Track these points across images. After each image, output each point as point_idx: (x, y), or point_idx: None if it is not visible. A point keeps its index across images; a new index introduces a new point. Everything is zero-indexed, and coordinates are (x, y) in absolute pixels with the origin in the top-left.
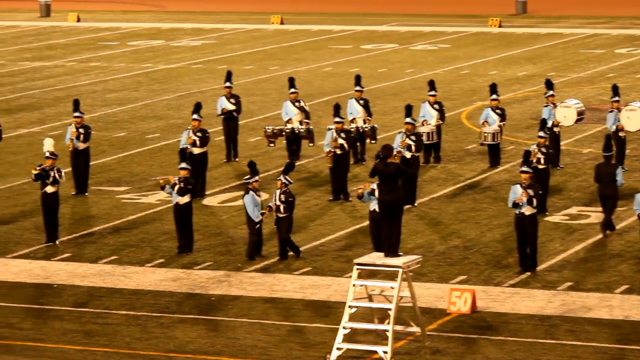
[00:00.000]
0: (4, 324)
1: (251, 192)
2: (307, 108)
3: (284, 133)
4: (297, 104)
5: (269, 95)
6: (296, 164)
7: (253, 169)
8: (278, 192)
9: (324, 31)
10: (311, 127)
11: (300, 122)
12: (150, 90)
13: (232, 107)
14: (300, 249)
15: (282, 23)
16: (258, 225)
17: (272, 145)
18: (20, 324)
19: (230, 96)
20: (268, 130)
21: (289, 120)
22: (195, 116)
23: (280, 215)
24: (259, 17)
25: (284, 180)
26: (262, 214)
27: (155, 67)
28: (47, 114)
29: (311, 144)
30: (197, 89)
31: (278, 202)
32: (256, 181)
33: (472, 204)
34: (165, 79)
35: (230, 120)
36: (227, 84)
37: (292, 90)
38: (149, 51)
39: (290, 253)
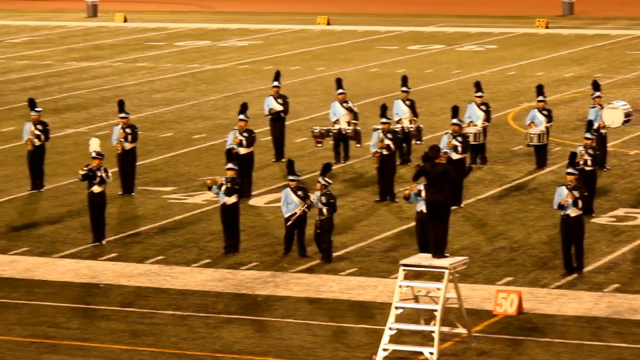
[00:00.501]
0: (51, 323)
1: (288, 189)
2: (355, 109)
3: (331, 134)
4: (345, 104)
5: (315, 96)
6: (344, 164)
7: (290, 167)
8: (318, 193)
9: (371, 32)
10: (358, 127)
11: (348, 123)
12: (196, 90)
13: (279, 107)
14: (347, 249)
15: (328, 24)
16: (289, 222)
17: (319, 145)
18: (67, 324)
19: (277, 96)
20: (315, 131)
21: (337, 121)
22: (241, 116)
23: (323, 217)
24: (306, 17)
25: (323, 182)
26: (294, 213)
27: (202, 68)
28: (93, 114)
29: (358, 145)
30: (243, 89)
31: (320, 205)
32: (292, 180)
33: (518, 205)
34: (212, 80)
35: (277, 121)
36: (275, 83)
37: (340, 90)
38: (196, 52)
39: (338, 254)
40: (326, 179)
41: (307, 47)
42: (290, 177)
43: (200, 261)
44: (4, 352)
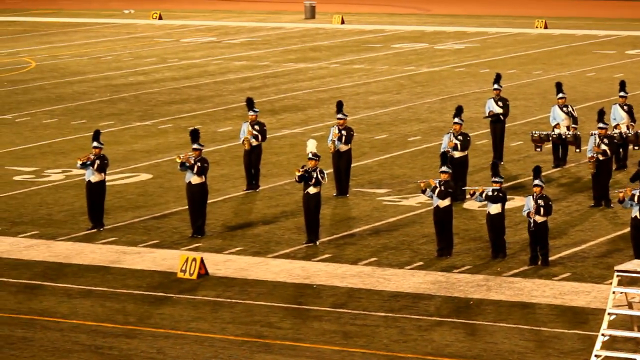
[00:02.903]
0: (264, 322)
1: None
2: (575, 113)
3: (550, 138)
4: (565, 109)
5: (532, 100)
6: (561, 167)
7: (495, 169)
8: (532, 197)
9: (588, 36)
10: (578, 132)
11: (568, 127)
12: (412, 93)
13: (499, 109)
14: (560, 254)
15: (546, 27)
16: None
17: (538, 150)
18: (280, 323)
19: (498, 99)
20: (535, 135)
21: (557, 125)
22: (456, 120)
23: (540, 220)
24: (523, 21)
25: (543, 185)
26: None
27: (418, 70)
28: (310, 115)
29: (577, 150)
30: (459, 92)
31: (536, 207)
32: (495, 182)
33: None
34: (428, 82)
35: (496, 123)
36: (496, 86)
37: (560, 95)
38: (412, 54)
39: (551, 258)
40: (541, 180)
41: (524, 50)
42: (494, 179)
43: (413, 263)
44: (217, 350)
